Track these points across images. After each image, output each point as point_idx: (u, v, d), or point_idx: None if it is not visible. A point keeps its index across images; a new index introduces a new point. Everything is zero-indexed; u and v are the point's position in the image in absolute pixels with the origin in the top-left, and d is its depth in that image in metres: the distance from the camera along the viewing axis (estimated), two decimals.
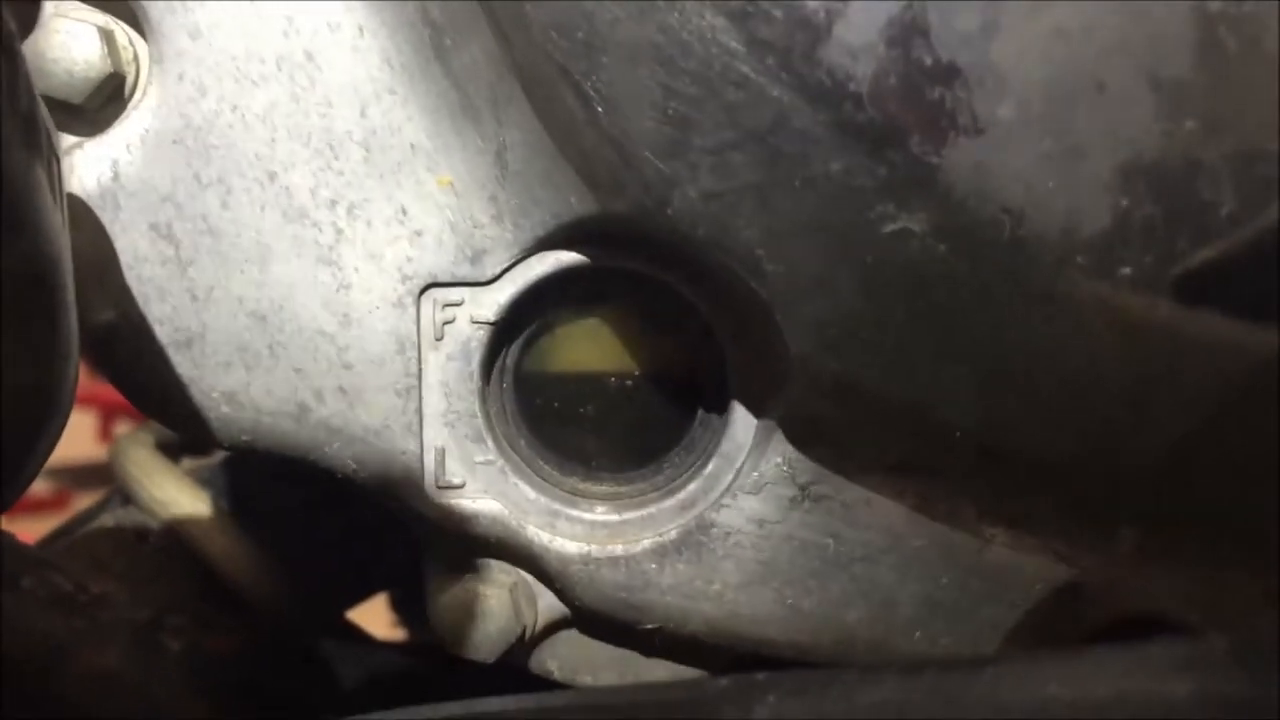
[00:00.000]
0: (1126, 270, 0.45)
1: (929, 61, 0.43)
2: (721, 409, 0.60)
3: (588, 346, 0.61)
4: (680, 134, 0.48)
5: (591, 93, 0.49)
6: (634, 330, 0.61)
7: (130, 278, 0.57)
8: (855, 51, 0.44)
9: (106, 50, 0.56)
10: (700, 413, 0.61)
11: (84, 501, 0.95)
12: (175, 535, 0.85)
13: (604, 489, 0.62)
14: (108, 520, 0.87)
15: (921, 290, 0.47)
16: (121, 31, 0.57)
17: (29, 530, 0.92)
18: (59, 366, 0.47)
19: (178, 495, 0.88)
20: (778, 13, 0.44)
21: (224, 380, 0.58)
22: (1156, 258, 0.44)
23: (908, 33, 0.43)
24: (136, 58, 0.57)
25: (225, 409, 0.58)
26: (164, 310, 0.57)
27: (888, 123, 0.44)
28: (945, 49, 0.43)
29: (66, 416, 0.50)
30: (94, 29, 0.55)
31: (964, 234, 0.45)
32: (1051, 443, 0.51)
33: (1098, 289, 0.45)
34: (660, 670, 0.64)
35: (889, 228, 0.46)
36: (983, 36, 0.43)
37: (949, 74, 0.43)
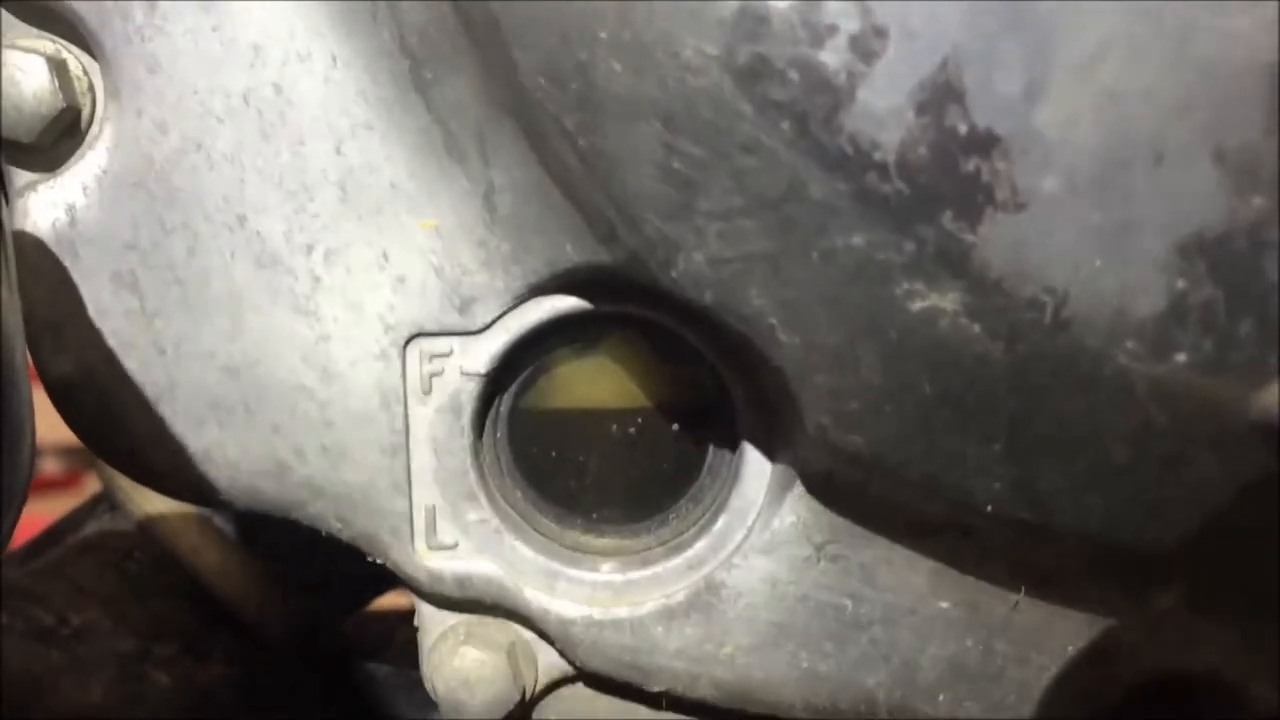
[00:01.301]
0: (1182, 356, 0.40)
1: (964, 129, 0.38)
2: (730, 455, 0.56)
3: (586, 391, 0.57)
4: (684, 196, 0.43)
5: (585, 145, 0.44)
6: (636, 373, 0.56)
7: (93, 331, 0.53)
8: (881, 118, 0.39)
9: (58, 83, 0.51)
10: (708, 461, 0.57)
11: (96, 483, 0.91)
12: (164, 549, 0.82)
13: (606, 543, 0.58)
14: (93, 531, 0.83)
15: (951, 369, 0.43)
16: (75, 60, 0.52)
17: (41, 511, 0.89)
18: (9, 454, 0.43)
19: (166, 505, 0.84)
20: (793, 74, 0.39)
21: (196, 438, 0.54)
22: (1216, 343, 0.40)
23: (940, 97, 0.38)
24: (92, 88, 0.53)
25: (199, 468, 0.54)
26: (130, 365, 0.53)
27: (916, 196, 0.40)
28: (983, 115, 0.38)
29: (23, 500, 0.46)
30: (43, 61, 0.51)
31: (1001, 315, 0.41)
32: (1091, 517, 0.47)
33: (1150, 374, 0.41)
34: None
35: (916, 305, 0.42)
36: (1025, 102, 0.38)
37: (987, 143, 0.38)
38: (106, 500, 0.87)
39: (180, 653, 0.74)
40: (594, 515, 0.58)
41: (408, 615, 0.82)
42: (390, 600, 1.06)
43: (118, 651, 0.72)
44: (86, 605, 0.73)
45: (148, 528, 0.82)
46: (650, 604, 0.56)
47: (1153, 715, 0.58)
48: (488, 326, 0.53)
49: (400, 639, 1.02)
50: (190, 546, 0.82)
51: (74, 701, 0.69)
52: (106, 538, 0.80)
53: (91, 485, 0.95)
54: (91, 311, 0.53)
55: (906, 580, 0.54)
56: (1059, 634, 0.55)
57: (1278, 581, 0.51)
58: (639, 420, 0.57)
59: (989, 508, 0.47)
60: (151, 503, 0.83)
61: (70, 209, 0.52)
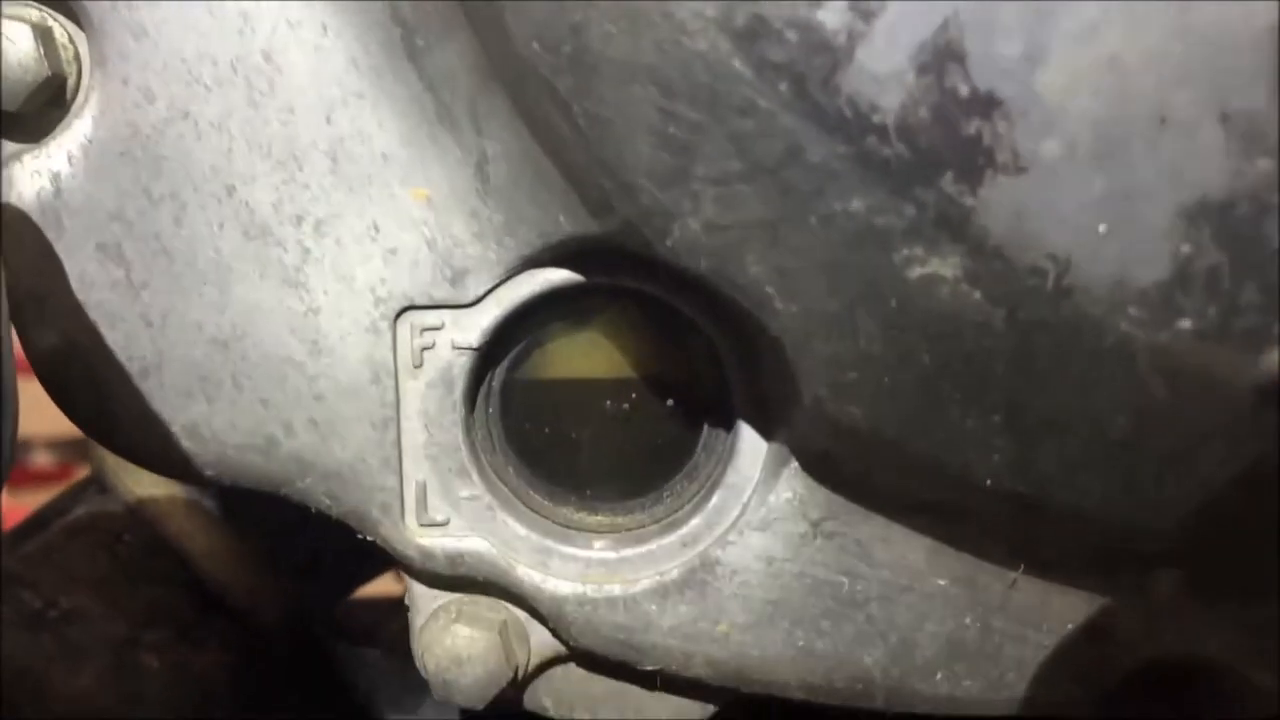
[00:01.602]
0: (1186, 323, 0.39)
1: (965, 91, 0.38)
2: (725, 432, 0.55)
3: (580, 366, 0.56)
4: (680, 161, 0.42)
5: (579, 111, 0.43)
6: (630, 347, 0.56)
7: (78, 302, 0.52)
8: (881, 79, 0.38)
9: (43, 51, 0.50)
10: (703, 437, 0.56)
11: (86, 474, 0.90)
12: (154, 532, 0.81)
13: (600, 520, 0.57)
14: (83, 514, 0.82)
15: (951, 337, 0.42)
16: (60, 28, 0.51)
17: (32, 504, 0.88)
18: None
19: (156, 488, 0.84)
20: (791, 34, 0.38)
21: (184, 412, 0.53)
22: (1221, 309, 0.39)
23: (941, 59, 0.37)
24: (78, 56, 0.52)
25: (186, 442, 0.54)
26: (116, 337, 0.52)
27: (917, 159, 0.39)
28: (984, 78, 0.38)
29: (5, 475, 0.45)
30: (28, 28, 0.50)
31: (1002, 281, 0.40)
32: (1091, 493, 0.46)
33: (1153, 342, 0.40)
34: (662, 705, 0.60)
35: (916, 271, 0.41)
36: (1027, 64, 0.37)
37: (988, 105, 0.38)
38: (96, 483, 0.86)
39: (172, 639, 0.73)
40: (587, 491, 0.57)
41: (398, 603, 0.82)
42: (382, 588, 1.05)
43: (109, 636, 0.71)
44: (77, 589, 0.73)
45: (137, 511, 0.81)
46: (644, 581, 0.55)
47: (1153, 707, 0.57)
48: (480, 299, 0.52)
49: (393, 627, 1.01)
50: (179, 530, 0.82)
51: (66, 687, 0.68)
52: (97, 520, 0.79)
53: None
54: (76, 283, 0.52)
55: (904, 557, 0.54)
56: (1058, 612, 0.54)
57: (1278, 570, 0.50)
58: (633, 395, 0.56)
59: (988, 482, 0.47)
60: (141, 485, 0.83)
61: (55, 178, 0.51)
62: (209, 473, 0.54)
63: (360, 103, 0.50)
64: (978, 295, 0.41)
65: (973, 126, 0.38)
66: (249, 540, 0.84)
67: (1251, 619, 0.54)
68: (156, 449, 0.54)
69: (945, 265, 0.40)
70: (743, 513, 0.54)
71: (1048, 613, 0.54)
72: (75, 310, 0.52)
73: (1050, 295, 0.40)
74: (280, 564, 0.86)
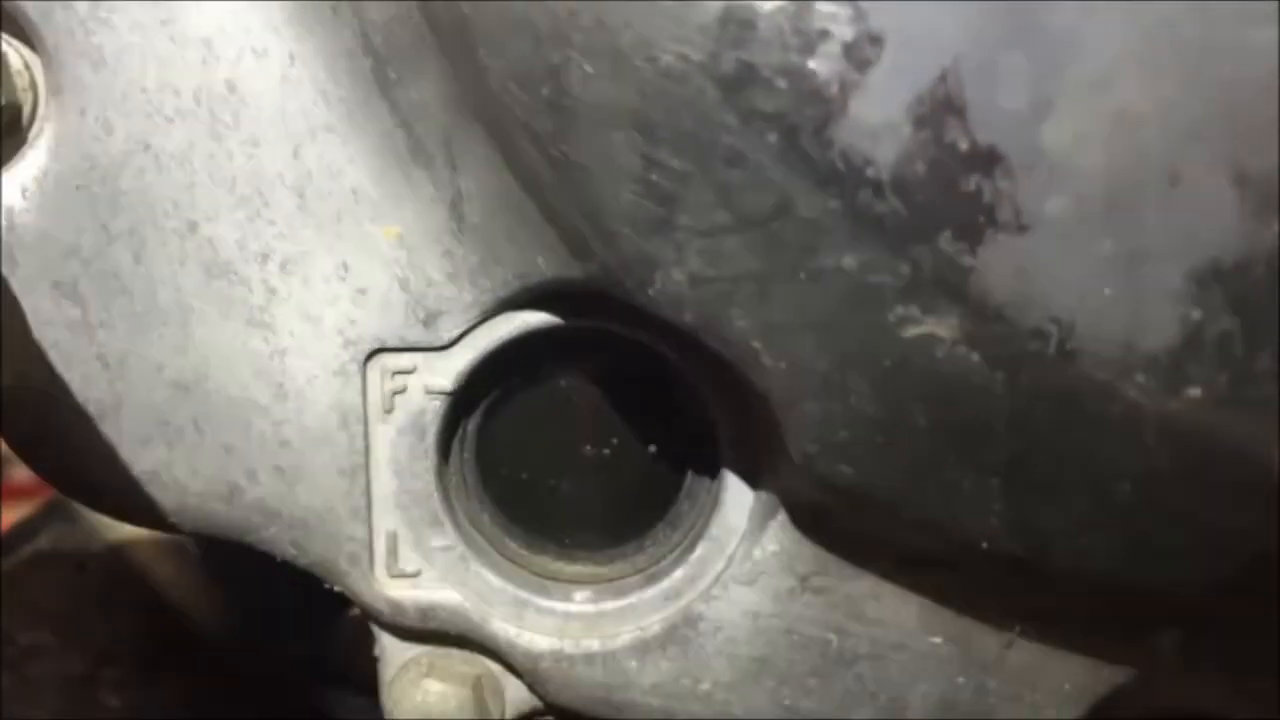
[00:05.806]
0: (1195, 391, 0.37)
1: (965, 146, 0.35)
2: (710, 479, 0.53)
3: (558, 410, 0.54)
4: (663, 210, 0.40)
5: (557, 155, 0.41)
6: (611, 391, 0.53)
7: (32, 342, 0.50)
8: (875, 131, 0.36)
9: None
10: (686, 484, 0.54)
11: None
12: (119, 559, 0.79)
13: (579, 569, 0.55)
14: (46, 542, 0.80)
15: (948, 399, 0.40)
16: (15, 53, 0.49)
17: (11, 518, 0.86)
18: None
19: None
20: (781, 83, 0.36)
21: (143, 458, 0.51)
22: (1232, 378, 0.37)
23: (940, 111, 0.35)
24: (33, 84, 0.49)
25: (146, 489, 0.51)
26: (71, 379, 0.50)
27: (913, 215, 0.37)
28: (985, 131, 0.35)
29: None
30: None
31: (1002, 343, 0.38)
32: (1091, 557, 0.44)
33: (1160, 410, 0.38)
34: None
35: (911, 331, 0.39)
36: (1032, 118, 0.35)
37: (989, 160, 0.36)
38: (60, 509, 0.84)
39: (133, 674, 0.71)
40: (566, 540, 0.55)
41: None
42: None
43: (68, 674, 0.69)
44: (37, 625, 0.70)
45: (100, 537, 0.79)
46: (624, 636, 0.53)
47: None
48: (454, 342, 0.50)
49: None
50: (146, 557, 0.79)
51: None
52: (59, 548, 0.77)
53: None
54: (31, 322, 0.49)
55: (896, 614, 0.51)
56: (1054, 672, 0.52)
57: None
58: (614, 441, 0.54)
59: (984, 544, 0.44)
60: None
61: (8, 213, 0.49)
62: (170, 520, 0.52)
63: (329, 136, 0.48)
64: (976, 357, 0.39)
65: (972, 182, 0.36)
66: (218, 570, 0.81)
67: (1248, 682, 0.52)
68: (114, 496, 0.52)
69: (942, 326, 0.38)
70: (727, 565, 0.52)
71: (1044, 673, 0.52)
72: (29, 351, 0.50)
73: (1053, 359, 0.38)
74: (252, 599, 0.83)
